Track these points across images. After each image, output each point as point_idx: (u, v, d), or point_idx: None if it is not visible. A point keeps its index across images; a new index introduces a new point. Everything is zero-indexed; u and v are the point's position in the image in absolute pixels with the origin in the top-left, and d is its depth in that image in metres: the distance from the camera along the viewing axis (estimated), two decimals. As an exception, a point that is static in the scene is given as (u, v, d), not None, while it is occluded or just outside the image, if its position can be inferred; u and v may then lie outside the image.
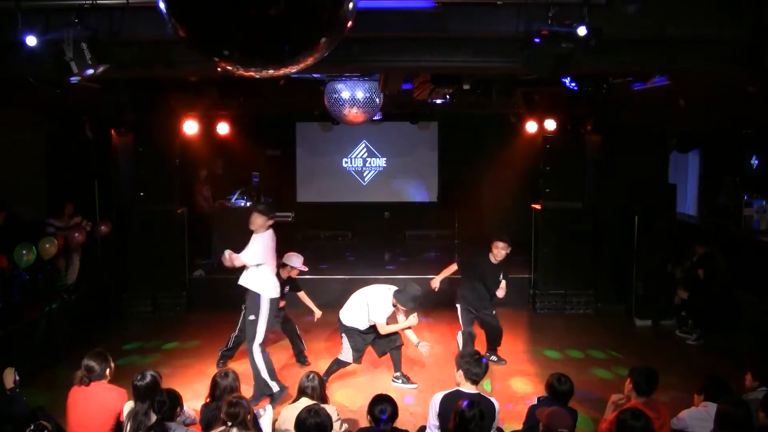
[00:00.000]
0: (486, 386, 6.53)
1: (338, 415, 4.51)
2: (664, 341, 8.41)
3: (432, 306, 9.57)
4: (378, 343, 6.62)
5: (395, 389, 6.50)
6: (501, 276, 7.27)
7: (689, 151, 11.34)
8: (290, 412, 4.28)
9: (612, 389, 5.35)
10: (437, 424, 4.26)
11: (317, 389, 4.53)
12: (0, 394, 4.54)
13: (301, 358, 7.40)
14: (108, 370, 4.56)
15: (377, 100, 7.25)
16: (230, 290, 7.06)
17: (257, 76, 2.64)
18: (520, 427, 4.64)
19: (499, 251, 7.07)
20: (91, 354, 4.58)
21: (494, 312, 7.43)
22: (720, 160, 10.84)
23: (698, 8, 4.62)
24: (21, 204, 8.38)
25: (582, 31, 4.27)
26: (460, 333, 7.32)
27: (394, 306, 6.40)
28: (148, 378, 4.35)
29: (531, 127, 10.07)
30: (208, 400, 4.64)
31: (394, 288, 6.48)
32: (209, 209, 11.03)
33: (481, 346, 7.24)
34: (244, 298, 6.33)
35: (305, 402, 4.29)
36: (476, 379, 4.33)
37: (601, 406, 5.51)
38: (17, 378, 4.49)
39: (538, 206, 9.78)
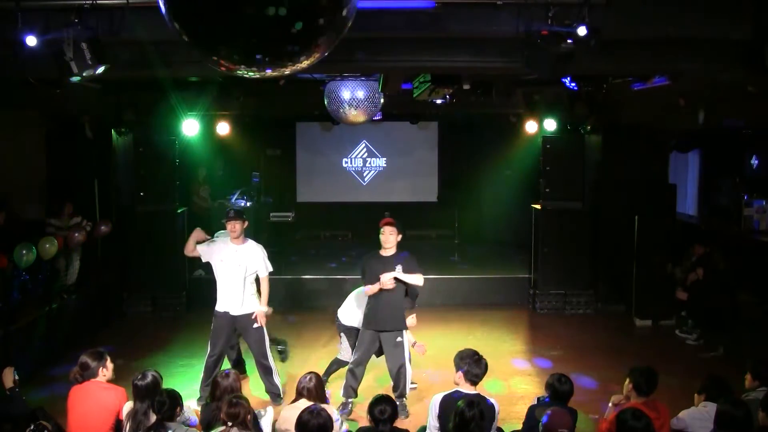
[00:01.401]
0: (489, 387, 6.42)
1: (338, 414, 4.51)
2: (664, 341, 8.41)
3: (430, 306, 9.59)
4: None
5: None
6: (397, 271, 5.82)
7: (689, 151, 11.35)
8: (290, 412, 4.28)
9: (612, 389, 5.36)
10: (437, 425, 4.26)
11: (316, 390, 4.52)
12: (0, 393, 4.53)
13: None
14: (103, 369, 4.52)
15: (377, 100, 7.25)
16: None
17: (257, 76, 2.64)
18: (520, 427, 4.64)
19: (385, 237, 5.88)
20: (88, 352, 4.57)
21: (398, 339, 5.99)
22: (720, 160, 10.84)
23: (698, 9, 4.62)
24: (21, 204, 8.39)
25: (582, 31, 4.27)
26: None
27: None
28: (149, 378, 4.34)
29: (531, 127, 10.08)
30: (208, 400, 4.64)
31: None
32: (206, 210, 11.03)
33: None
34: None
35: (305, 403, 4.29)
36: (476, 380, 4.33)
37: (601, 406, 5.52)
38: (17, 377, 4.49)
39: (538, 206, 9.78)
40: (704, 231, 9.93)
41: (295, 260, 11.32)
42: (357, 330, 6.44)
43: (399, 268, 5.84)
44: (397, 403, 6.06)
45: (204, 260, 6.27)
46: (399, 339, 5.99)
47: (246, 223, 6.20)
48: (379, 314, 5.93)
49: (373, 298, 5.94)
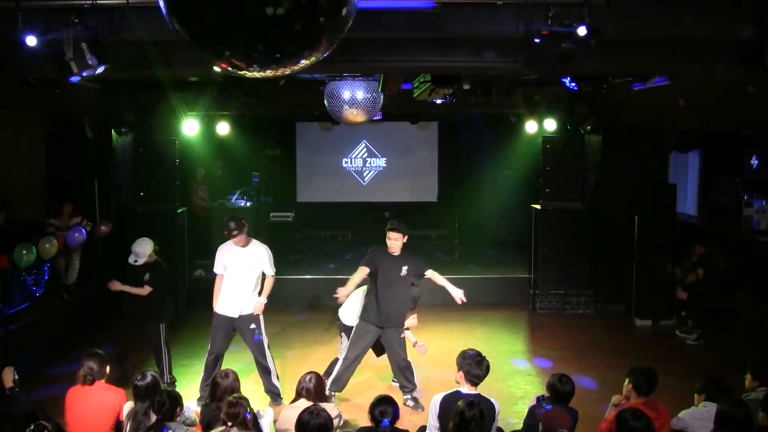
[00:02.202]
0: None
1: (337, 410, 4.52)
2: (664, 341, 8.41)
3: (430, 306, 9.59)
4: (376, 343, 6.60)
5: (396, 389, 6.49)
6: (404, 272, 6.01)
7: (689, 151, 11.33)
8: (290, 412, 4.28)
9: (612, 389, 5.35)
10: (437, 425, 4.26)
11: (315, 390, 4.52)
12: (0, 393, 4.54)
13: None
14: (107, 368, 4.62)
15: (377, 100, 7.24)
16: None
17: (257, 76, 2.64)
18: (520, 427, 4.64)
19: (392, 242, 6.02)
20: (90, 354, 4.62)
21: (402, 336, 6.23)
22: (720, 160, 10.83)
23: (698, 9, 4.62)
24: (21, 204, 8.38)
25: (582, 31, 4.27)
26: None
27: None
28: (149, 378, 4.37)
29: (531, 127, 10.08)
30: (208, 400, 4.65)
31: None
32: (204, 210, 11.02)
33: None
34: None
35: (305, 403, 4.29)
36: (477, 381, 4.32)
37: (601, 407, 5.51)
38: (17, 377, 4.50)
39: (538, 206, 9.78)
40: (704, 231, 9.92)
41: (295, 260, 11.32)
42: None
43: (405, 268, 6.00)
44: (408, 397, 6.16)
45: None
46: (402, 336, 6.19)
47: (246, 227, 6.21)
48: (388, 310, 6.05)
49: (382, 294, 6.04)
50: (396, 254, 6.04)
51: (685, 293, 8.44)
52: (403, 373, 6.23)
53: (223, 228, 6.20)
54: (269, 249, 6.29)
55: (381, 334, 6.13)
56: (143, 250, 6.38)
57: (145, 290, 6.39)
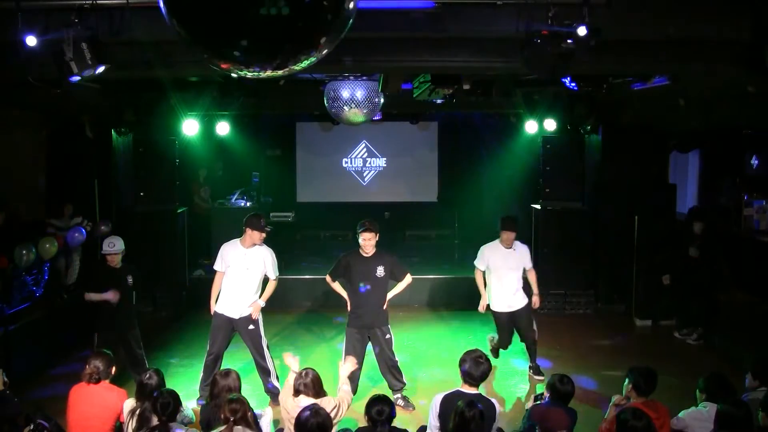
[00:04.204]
0: None
1: (334, 403, 4.49)
2: (664, 341, 8.41)
3: (431, 306, 9.60)
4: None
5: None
6: (379, 272, 6.00)
7: (689, 151, 11.33)
8: (291, 402, 4.33)
9: (612, 389, 5.36)
10: (437, 424, 4.26)
11: (313, 384, 4.50)
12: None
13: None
14: (113, 369, 4.69)
15: (377, 100, 7.25)
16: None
17: (257, 76, 2.64)
18: (519, 426, 4.64)
19: (365, 243, 6.01)
20: (97, 354, 4.68)
21: (387, 336, 6.15)
22: (720, 160, 10.83)
23: (698, 8, 4.63)
24: (21, 204, 8.38)
25: (582, 31, 4.27)
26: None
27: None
28: (156, 378, 4.45)
29: (531, 127, 10.08)
30: (208, 399, 4.66)
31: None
32: (206, 210, 11.02)
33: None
34: None
35: (305, 399, 4.29)
36: (474, 382, 4.31)
37: (601, 407, 5.52)
38: (6, 380, 4.53)
39: (538, 206, 9.78)
40: (704, 230, 9.89)
41: (294, 260, 11.32)
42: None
43: (380, 269, 5.98)
44: (398, 396, 6.11)
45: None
46: (388, 336, 6.13)
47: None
48: (367, 312, 6.04)
49: (359, 297, 6.03)
50: (369, 255, 6.00)
51: (668, 276, 8.43)
52: (391, 372, 6.18)
53: (247, 222, 6.08)
54: (273, 253, 6.27)
55: (369, 334, 6.11)
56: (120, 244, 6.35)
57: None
